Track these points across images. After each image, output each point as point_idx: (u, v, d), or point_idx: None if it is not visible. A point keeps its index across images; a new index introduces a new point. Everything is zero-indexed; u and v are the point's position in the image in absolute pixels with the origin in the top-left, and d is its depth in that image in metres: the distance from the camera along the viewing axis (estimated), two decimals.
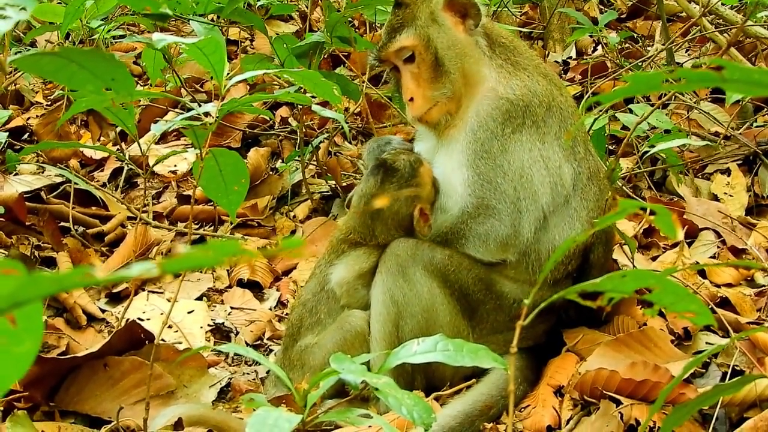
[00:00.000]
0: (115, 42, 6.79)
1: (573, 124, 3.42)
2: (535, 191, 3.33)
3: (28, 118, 6.09)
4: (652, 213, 1.85)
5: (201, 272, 4.39)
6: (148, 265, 1.02)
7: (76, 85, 2.35)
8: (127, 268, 1.02)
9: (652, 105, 4.11)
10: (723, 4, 5.35)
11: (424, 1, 3.48)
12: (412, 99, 3.48)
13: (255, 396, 2.49)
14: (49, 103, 6.30)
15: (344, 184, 4.99)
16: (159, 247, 4.46)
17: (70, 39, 6.21)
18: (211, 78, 2.92)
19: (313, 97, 3.48)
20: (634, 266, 3.76)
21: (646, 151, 4.25)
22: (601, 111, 4.05)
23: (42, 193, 4.86)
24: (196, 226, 4.86)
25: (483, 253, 3.36)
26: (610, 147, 4.95)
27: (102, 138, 5.85)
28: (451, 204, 3.42)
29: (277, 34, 5.44)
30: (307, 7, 6.21)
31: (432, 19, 3.47)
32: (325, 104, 4.26)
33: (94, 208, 4.91)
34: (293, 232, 4.76)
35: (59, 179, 5.01)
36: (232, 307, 4.09)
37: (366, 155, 3.70)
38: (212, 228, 4.87)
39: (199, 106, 3.04)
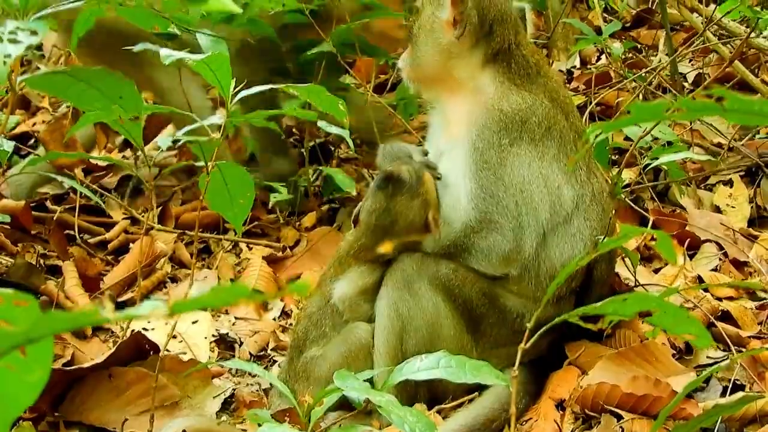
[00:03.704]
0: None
1: (573, 150, 3.44)
2: (536, 207, 3.36)
3: (34, 124, 6.12)
4: (653, 233, 1.88)
5: (205, 275, 4.41)
6: (157, 303, 1.05)
7: (84, 103, 2.40)
8: (136, 307, 1.05)
9: None
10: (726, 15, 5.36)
11: None
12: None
13: (259, 412, 2.52)
14: (55, 111, 6.31)
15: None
16: (165, 258, 4.48)
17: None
18: None
19: None
20: (636, 280, 3.78)
21: (649, 163, 4.26)
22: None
23: (47, 202, 4.89)
24: (201, 231, 4.85)
25: (486, 267, 3.38)
26: (613, 157, 4.96)
27: (108, 145, 5.87)
28: (455, 217, 3.44)
29: None
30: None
31: (436, 1, 3.53)
32: None
33: (98, 217, 4.93)
34: (298, 241, 4.78)
35: (65, 185, 5.03)
36: (236, 318, 4.11)
37: (381, 160, 3.70)
38: (216, 234, 4.88)
39: None
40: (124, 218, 4.89)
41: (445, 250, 3.39)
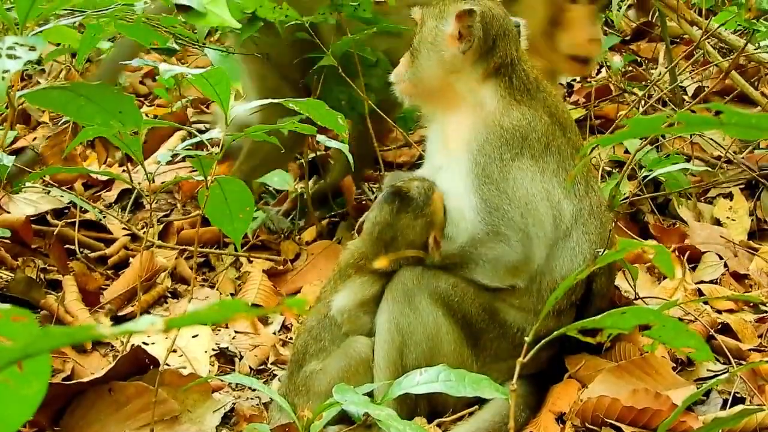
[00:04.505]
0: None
1: (571, 166, 3.44)
2: (541, 219, 3.35)
3: (34, 138, 6.13)
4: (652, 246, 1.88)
5: (206, 296, 4.41)
6: (154, 318, 1.05)
7: (84, 118, 2.40)
8: (133, 322, 1.05)
9: None
10: (724, 27, 5.36)
11: None
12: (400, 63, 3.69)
13: (259, 426, 2.52)
14: (55, 125, 6.33)
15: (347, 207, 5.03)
16: (165, 273, 4.48)
17: (74, 57, 6.25)
18: None
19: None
20: (636, 293, 3.78)
21: (647, 175, 4.26)
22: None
23: (48, 216, 4.89)
24: (201, 246, 4.86)
25: (492, 279, 3.36)
26: (612, 170, 4.97)
27: (108, 159, 5.88)
28: (459, 231, 3.42)
29: None
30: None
31: (439, 15, 3.53)
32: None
33: (98, 232, 4.93)
34: (298, 255, 4.78)
35: (65, 200, 5.04)
36: (236, 332, 4.10)
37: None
38: (216, 248, 4.88)
39: (205, 129, 3.09)
40: (125, 234, 4.89)
41: (450, 262, 3.37)
